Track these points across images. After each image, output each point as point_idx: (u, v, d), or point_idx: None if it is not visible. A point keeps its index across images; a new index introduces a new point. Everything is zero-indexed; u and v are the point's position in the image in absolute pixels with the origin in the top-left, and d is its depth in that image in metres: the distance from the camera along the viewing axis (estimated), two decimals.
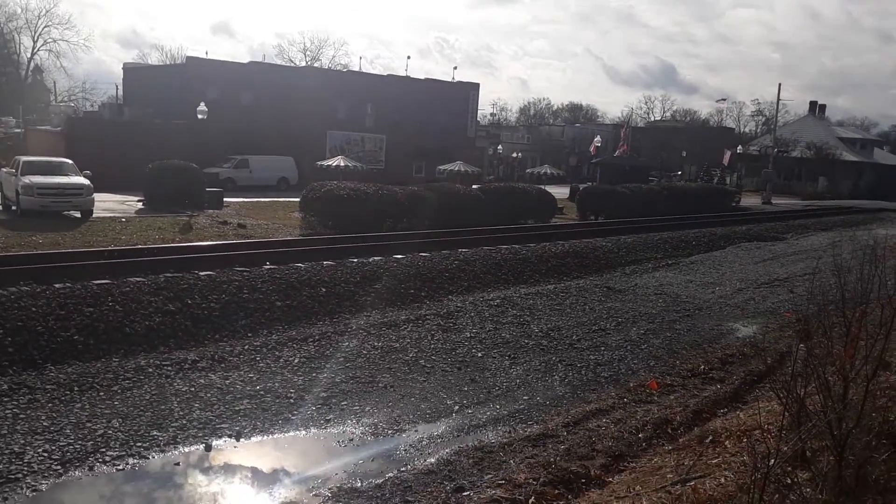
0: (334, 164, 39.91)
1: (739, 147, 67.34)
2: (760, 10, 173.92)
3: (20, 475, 7.46)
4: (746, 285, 19.77)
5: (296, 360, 11.59)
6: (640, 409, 9.88)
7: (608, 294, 17.76)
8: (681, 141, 74.80)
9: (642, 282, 19.62)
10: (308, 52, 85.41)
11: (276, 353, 11.93)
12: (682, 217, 33.86)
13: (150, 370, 10.72)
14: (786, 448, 3.88)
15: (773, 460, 4.02)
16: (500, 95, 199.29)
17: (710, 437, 7.25)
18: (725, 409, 9.71)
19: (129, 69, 56.47)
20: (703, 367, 12.15)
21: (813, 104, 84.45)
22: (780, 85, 58.55)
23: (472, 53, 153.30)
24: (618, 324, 14.94)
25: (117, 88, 59.85)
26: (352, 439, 8.91)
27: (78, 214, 22.74)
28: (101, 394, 9.77)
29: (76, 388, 9.84)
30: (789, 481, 4.45)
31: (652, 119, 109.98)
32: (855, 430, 4.00)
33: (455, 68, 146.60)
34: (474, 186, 33.18)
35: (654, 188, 39.94)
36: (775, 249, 27.28)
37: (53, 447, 8.08)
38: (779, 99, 59.70)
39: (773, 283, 20.15)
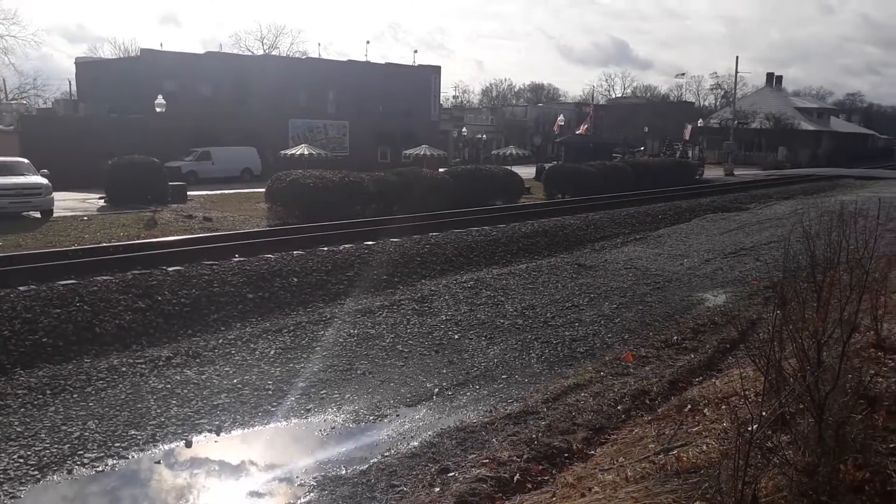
0: (298, 153, 39.56)
1: (700, 121, 68.27)
2: None
3: None
4: (713, 256, 20.11)
5: (272, 352, 11.51)
6: (618, 382, 10.01)
7: (579, 271, 17.92)
8: (642, 117, 75.41)
9: (612, 257, 19.83)
10: (265, 41, 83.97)
11: (252, 345, 11.82)
12: (648, 192, 34.21)
13: (124, 369, 10.56)
14: (766, 413, 3.96)
15: (754, 425, 4.10)
16: (460, 78, 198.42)
17: (689, 406, 7.38)
18: (701, 378, 9.88)
19: (81, 64, 55.01)
20: (676, 337, 12.36)
21: (770, 76, 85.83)
22: (737, 58, 59.45)
23: (425, 37, 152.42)
24: (590, 299, 15.10)
25: (70, 84, 58.23)
26: (334, 427, 8.89)
27: (38, 214, 22.20)
28: (75, 396, 9.60)
29: (48, 392, 9.65)
30: (770, 445, 4.56)
31: (613, 97, 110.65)
32: (833, 392, 4.11)
33: (416, 52, 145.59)
34: (441, 170, 33.14)
35: (618, 164, 40.28)
36: (740, 219, 27.76)
37: (29, 452, 7.93)
38: (737, 71, 60.59)
39: (740, 253, 20.53)
